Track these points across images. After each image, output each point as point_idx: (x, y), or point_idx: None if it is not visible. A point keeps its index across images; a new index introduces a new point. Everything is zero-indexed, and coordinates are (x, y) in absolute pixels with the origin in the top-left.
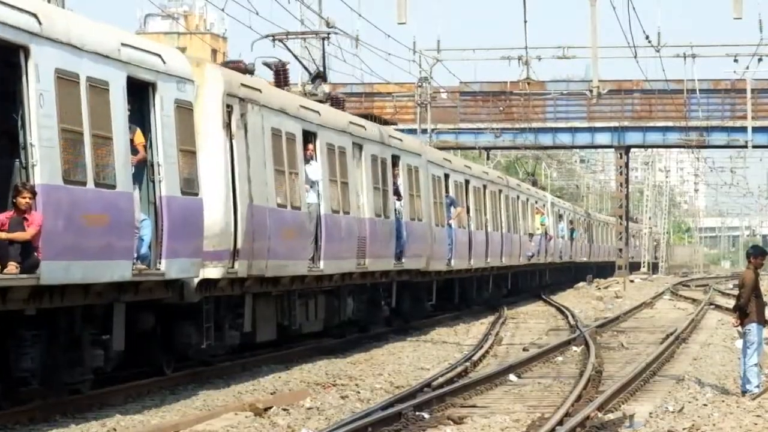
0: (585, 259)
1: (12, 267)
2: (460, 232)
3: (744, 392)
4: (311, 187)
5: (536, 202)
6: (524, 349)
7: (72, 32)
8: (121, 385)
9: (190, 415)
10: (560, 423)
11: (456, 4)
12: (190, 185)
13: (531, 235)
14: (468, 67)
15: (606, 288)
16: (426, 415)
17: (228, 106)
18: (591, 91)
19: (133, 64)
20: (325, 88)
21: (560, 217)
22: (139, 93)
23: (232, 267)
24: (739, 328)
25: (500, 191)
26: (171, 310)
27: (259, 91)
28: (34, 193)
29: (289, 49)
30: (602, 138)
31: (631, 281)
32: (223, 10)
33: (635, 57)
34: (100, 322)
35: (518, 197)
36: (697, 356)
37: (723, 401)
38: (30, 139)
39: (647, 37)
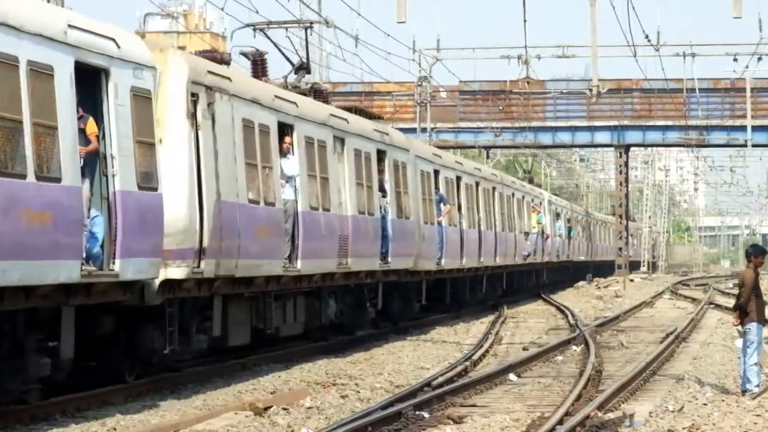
0: (583, 258)
1: None
2: (450, 231)
3: (744, 391)
4: (287, 182)
5: (532, 200)
6: (524, 349)
7: (9, 11)
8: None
9: (190, 415)
10: (560, 422)
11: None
12: (148, 179)
13: (527, 234)
14: (468, 66)
15: (606, 287)
16: (426, 415)
17: (193, 94)
18: (591, 90)
19: (83, 48)
20: (309, 79)
21: (557, 215)
22: (92, 80)
23: (198, 267)
24: (739, 327)
25: (494, 188)
26: (132, 313)
27: (229, 79)
28: None
29: (270, 39)
30: (602, 137)
31: (631, 280)
32: (222, 9)
33: (635, 56)
34: (48, 327)
35: (513, 195)
36: (697, 355)
37: (723, 400)
38: None
39: (647, 37)
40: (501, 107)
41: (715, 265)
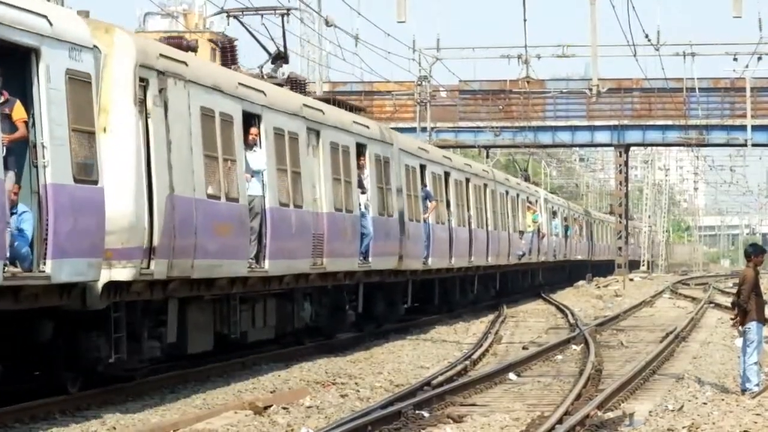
0: (581, 258)
1: None
2: (438, 229)
3: (744, 391)
4: (254, 176)
5: (527, 198)
6: (524, 348)
7: None
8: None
9: (190, 414)
10: (560, 422)
11: (456, 2)
12: (86, 171)
13: (521, 233)
14: (467, 65)
15: (606, 286)
16: (426, 414)
17: (142, 79)
18: (590, 89)
19: (5, 24)
20: (286, 69)
21: (554, 213)
22: (19, 60)
23: (147, 267)
24: (739, 327)
25: (485, 185)
26: (74, 319)
27: (185, 64)
28: None
29: (245, 27)
30: (602, 136)
31: (631, 280)
32: (222, 8)
33: (635, 55)
34: None
35: (507, 193)
36: (697, 355)
37: (723, 400)
38: None
39: (647, 36)
40: (501, 107)
41: (714, 265)
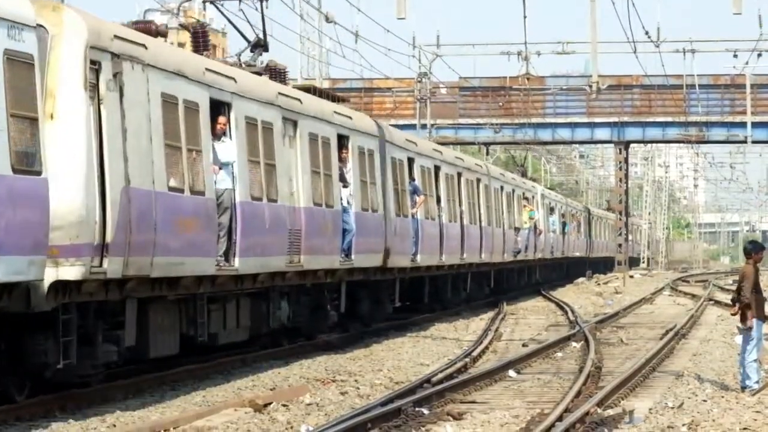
0: (579, 254)
1: None
2: (427, 224)
3: (743, 388)
4: (223, 169)
5: (523, 194)
6: (524, 345)
7: None
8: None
9: (190, 411)
10: (560, 419)
11: None
12: (27, 161)
13: (517, 230)
14: (467, 62)
15: (605, 284)
16: (426, 411)
17: (94, 62)
18: (590, 86)
19: None
20: (265, 58)
21: (551, 209)
22: None
23: (100, 265)
24: (739, 324)
25: (478, 180)
26: (18, 321)
27: (143, 47)
28: None
29: (223, 14)
30: (602, 133)
31: (631, 277)
32: (222, 5)
33: (635, 52)
34: None
35: (502, 188)
36: (697, 352)
37: (722, 397)
38: None
39: (647, 33)
40: (501, 103)
41: (714, 262)
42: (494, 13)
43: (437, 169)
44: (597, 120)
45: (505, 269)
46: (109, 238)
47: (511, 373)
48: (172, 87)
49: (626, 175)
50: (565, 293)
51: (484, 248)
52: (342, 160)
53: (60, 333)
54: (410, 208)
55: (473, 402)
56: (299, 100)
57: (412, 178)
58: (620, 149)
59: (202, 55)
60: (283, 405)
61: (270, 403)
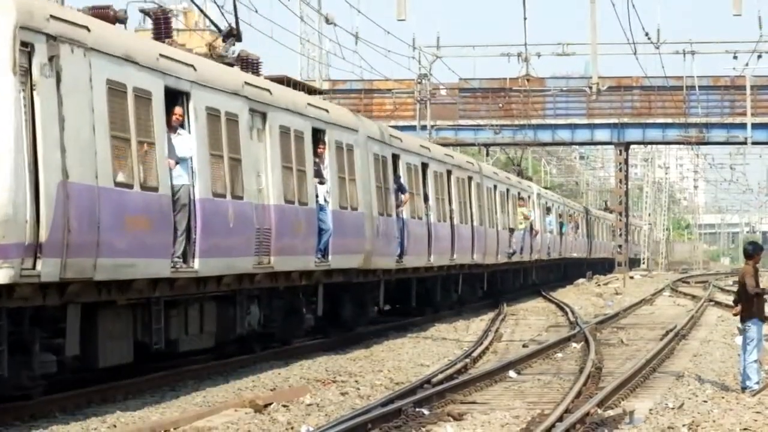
0: (577, 255)
1: None
2: (413, 224)
3: (744, 389)
4: (179, 163)
5: (518, 194)
6: (524, 346)
7: None
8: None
9: (190, 412)
10: (560, 419)
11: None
12: None
13: (512, 230)
14: (467, 63)
15: (606, 284)
16: (426, 412)
17: (25, 44)
18: (590, 87)
19: None
20: (237, 48)
21: (548, 209)
22: None
23: (33, 267)
24: (739, 325)
25: (470, 178)
26: None
27: (86, 29)
28: None
29: (195, 3)
30: (602, 134)
31: (631, 278)
32: (222, 7)
33: (635, 54)
34: None
35: (495, 187)
36: (697, 353)
37: (723, 398)
38: None
39: (647, 34)
40: (501, 105)
41: (715, 263)
42: (494, 14)
43: (425, 166)
44: (597, 121)
45: (500, 271)
46: (43, 237)
47: (512, 373)
48: (120, 73)
49: (626, 176)
50: (565, 294)
51: (477, 249)
52: (318, 156)
53: None
54: (395, 207)
55: (473, 402)
56: (269, 90)
57: (397, 176)
58: (620, 150)
59: (163, 42)
60: (284, 405)
61: (270, 404)
